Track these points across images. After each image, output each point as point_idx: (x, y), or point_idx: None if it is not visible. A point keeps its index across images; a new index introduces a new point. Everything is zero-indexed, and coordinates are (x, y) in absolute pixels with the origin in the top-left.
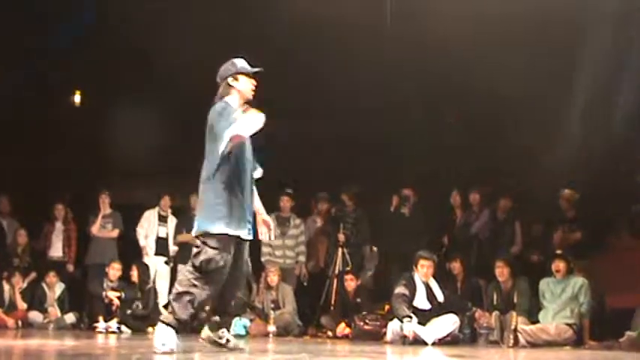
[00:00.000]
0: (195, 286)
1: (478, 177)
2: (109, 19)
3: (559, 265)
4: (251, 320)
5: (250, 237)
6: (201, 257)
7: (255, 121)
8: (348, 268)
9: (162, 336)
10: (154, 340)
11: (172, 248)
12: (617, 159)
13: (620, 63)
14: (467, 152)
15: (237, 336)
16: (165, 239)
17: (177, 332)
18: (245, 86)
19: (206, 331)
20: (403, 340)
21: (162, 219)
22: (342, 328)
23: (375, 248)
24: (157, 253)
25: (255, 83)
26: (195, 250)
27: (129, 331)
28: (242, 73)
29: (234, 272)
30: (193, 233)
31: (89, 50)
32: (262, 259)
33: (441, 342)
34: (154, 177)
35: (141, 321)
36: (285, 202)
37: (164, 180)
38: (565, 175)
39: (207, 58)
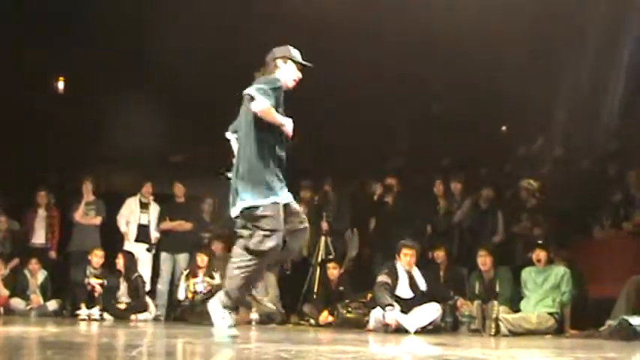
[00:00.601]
0: None
1: (461, 166)
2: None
3: (540, 254)
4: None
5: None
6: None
7: (284, 122)
8: (331, 257)
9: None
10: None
11: (154, 235)
12: (597, 149)
13: (599, 60)
14: (450, 142)
15: None
16: (147, 226)
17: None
18: (290, 73)
19: None
20: (385, 329)
21: (144, 206)
22: (325, 316)
23: (355, 230)
24: (138, 240)
25: (300, 76)
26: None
27: (111, 318)
28: (293, 61)
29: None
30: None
31: (72, 36)
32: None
33: (424, 330)
34: (138, 164)
35: (125, 309)
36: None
37: (148, 167)
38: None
39: (193, 47)
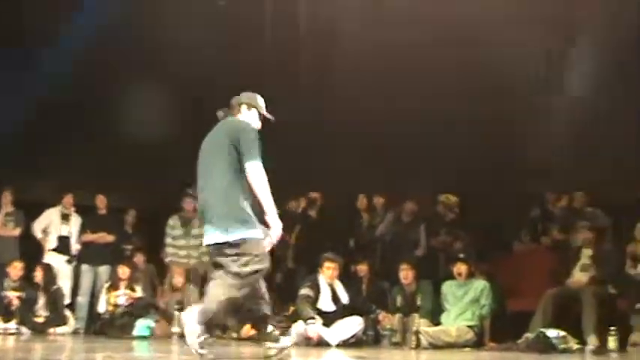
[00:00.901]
0: None
1: (384, 180)
2: None
3: (460, 268)
4: (155, 321)
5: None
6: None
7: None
8: None
9: None
10: None
11: (75, 247)
12: (514, 165)
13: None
14: (375, 155)
15: (141, 337)
16: (68, 238)
17: None
18: (252, 121)
19: None
20: (307, 342)
21: (65, 217)
22: (247, 330)
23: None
24: (58, 252)
25: (259, 127)
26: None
27: (29, 332)
28: (258, 111)
29: None
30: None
31: None
32: (166, 260)
33: (345, 344)
34: (58, 174)
35: (44, 322)
36: (189, 203)
37: (69, 178)
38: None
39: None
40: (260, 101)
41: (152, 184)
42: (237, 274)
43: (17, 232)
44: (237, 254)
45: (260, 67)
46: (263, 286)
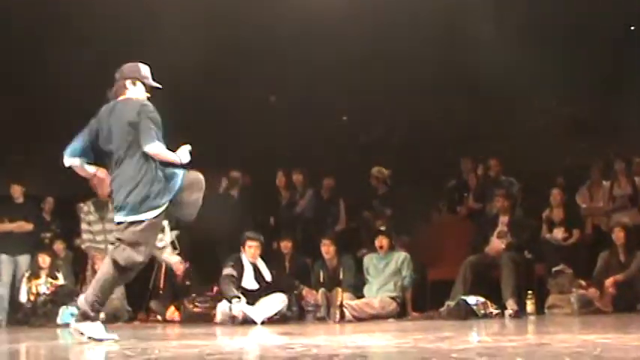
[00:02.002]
0: None
1: (301, 157)
2: None
3: (382, 241)
4: (78, 308)
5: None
6: None
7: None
8: (177, 252)
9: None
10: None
11: None
12: (430, 136)
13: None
14: (290, 132)
15: (65, 324)
16: None
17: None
18: (139, 95)
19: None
20: (232, 321)
21: None
22: (172, 312)
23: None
24: None
25: (148, 96)
26: None
27: None
28: (143, 83)
29: None
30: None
31: None
32: (83, 246)
33: (270, 321)
34: None
35: None
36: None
37: None
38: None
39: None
40: (144, 71)
41: (68, 170)
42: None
43: None
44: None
45: None
46: None
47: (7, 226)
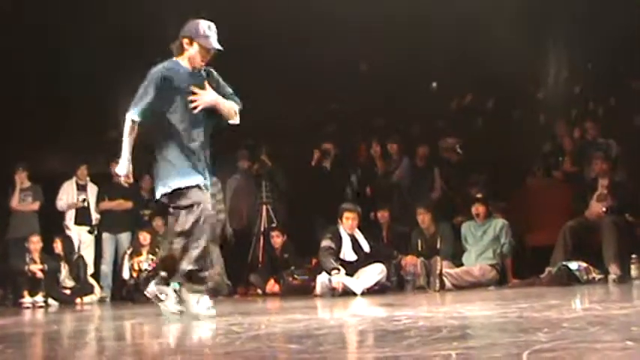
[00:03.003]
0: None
1: (395, 127)
2: None
3: (479, 208)
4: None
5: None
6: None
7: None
8: (274, 225)
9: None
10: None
11: (94, 216)
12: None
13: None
14: (381, 101)
15: None
16: (87, 208)
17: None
18: (196, 55)
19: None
20: (332, 293)
21: (81, 188)
22: (272, 285)
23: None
24: (78, 223)
25: (207, 57)
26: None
27: (56, 303)
28: (199, 44)
29: None
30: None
31: None
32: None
33: (370, 291)
34: (71, 146)
35: (70, 293)
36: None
37: (82, 148)
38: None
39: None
40: (203, 30)
41: None
42: None
43: (36, 206)
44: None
45: None
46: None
47: (108, 205)
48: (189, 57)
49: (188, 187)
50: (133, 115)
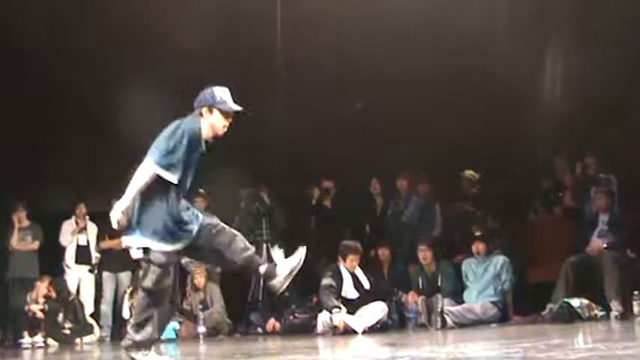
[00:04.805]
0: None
1: (395, 164)
2: None
3: (479, 246)
4: (180, 323)
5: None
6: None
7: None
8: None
9: None
10: None
11: (95, 255)
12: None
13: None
14: (382, 139)
15: (168, 340)
16: (86, 247)
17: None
18: (218, 122)
19: None
20: (333, 331)
21: (81, 228)
22: (272, 324)
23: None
24: (78, 262)
25: (229, 122)
26: None
27: (56, 344)
28: (219, 109)
29: None
30: None
31: None
32: (183, 262)
33: (371, 330)
34: (69, 183)
35: (70, 333)
36: (200, 203)
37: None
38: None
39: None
40: (220, 96)
41: None
42: None
43: (36, 245)
44: None
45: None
46: None
47: (108, 244)
48: (210, 126)
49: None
50: (156, 167)
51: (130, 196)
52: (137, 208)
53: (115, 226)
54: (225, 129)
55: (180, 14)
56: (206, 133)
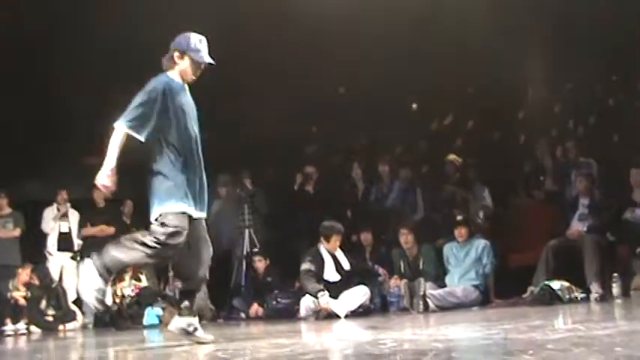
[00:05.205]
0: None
1: (375, 149)
2: None
3: (461, 230)
4: (163, 309)
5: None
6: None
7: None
8: (256, 249)
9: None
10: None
11: (77, 242)
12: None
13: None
14: (363, 124)
15: (151, 326)
16: (68, 234)
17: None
18: (188, 69)
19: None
20: (316, 316)
21: (63, 214)
22: (255, 309)
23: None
24: (61, 249)
25: (198, 72)
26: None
27: (39, 331)
28: (191, 57)
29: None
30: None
31: None
32: None
33: (354, 314)
34: (52, 171)
35: (53, 320)
36: None
37: (63, 173)
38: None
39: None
40: (194, 43)
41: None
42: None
43: (17, 232)
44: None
45: None
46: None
47: (90, 231)
48: (180, 71)
49: (176, 213)
50: (123, 126)
51: (111, 158)
52: (149, 182)
53: (103, 189)
54: (195, 77)
55: None
56: (176, 78)
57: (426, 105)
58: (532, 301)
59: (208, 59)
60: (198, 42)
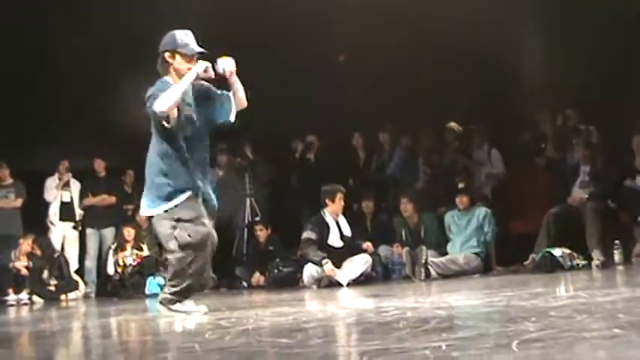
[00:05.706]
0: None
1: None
2: None
3: (462, 199)
4: (165, 278)
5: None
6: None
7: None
8: (258, 218)
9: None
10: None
11: (78, 212)
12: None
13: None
14: (364, 92)
15: (153, 295)
16: (70, 203)
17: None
18: (181, 66)
19: None
20: (318, 283)
21: (64, 184)
22: (257, 278)
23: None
24: (63, 219)
25: (192, 64)
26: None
27: (41, 301)
28: (182, 53)
29: None
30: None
31: None
32: None
33: (356, 282)
34: (53, 141)
35: (55, 289)
36: None
37: (64, 144)
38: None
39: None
40: (181, 39)
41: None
42: None
43: (19, 203)
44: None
45: None
46: None
47: (91, 200)
48: (175, 70)
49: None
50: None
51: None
52: (148, 181)
53: (202, 74)
54: (190, 70)
55: None
56: (173, 80)
57: (428, 73)
58: (533, 269)
59: (198, 49)
60: (184, 36)
